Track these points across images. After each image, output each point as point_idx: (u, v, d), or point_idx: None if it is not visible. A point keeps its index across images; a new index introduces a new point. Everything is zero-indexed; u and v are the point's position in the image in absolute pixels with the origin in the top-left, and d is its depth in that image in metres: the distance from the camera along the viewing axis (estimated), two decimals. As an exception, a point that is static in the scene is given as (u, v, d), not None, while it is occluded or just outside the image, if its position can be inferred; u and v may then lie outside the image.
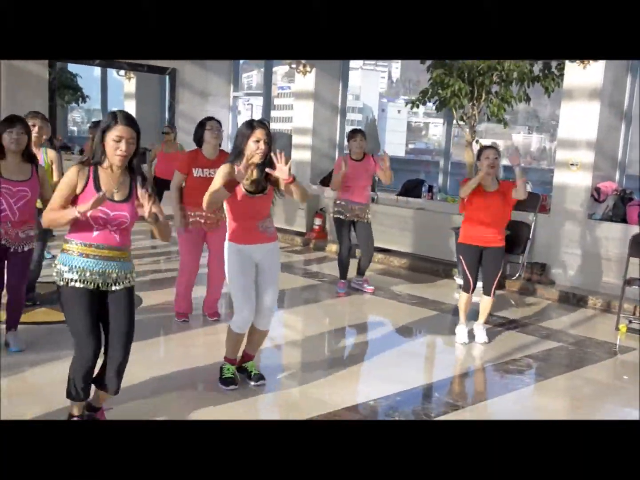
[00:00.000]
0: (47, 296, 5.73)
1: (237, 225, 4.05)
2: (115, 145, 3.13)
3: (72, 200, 3.18)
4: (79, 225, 3.17)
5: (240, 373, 4.34)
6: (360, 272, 6.97)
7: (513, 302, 6.88)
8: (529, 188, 7.87)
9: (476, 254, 5.30)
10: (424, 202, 8.65)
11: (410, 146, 53.26)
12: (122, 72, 12.25)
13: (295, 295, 6.86)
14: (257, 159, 3.94)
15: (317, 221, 9.48)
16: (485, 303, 5.46)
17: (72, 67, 13.46)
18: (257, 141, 3.92)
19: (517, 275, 7.38)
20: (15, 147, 4.33)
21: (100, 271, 3.20)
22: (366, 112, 56.66)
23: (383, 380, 4.50)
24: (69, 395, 3.35)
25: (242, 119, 9.83)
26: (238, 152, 3.98)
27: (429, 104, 8.42)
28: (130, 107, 12.32)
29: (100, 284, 3.22)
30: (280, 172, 3.90)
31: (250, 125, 3.96)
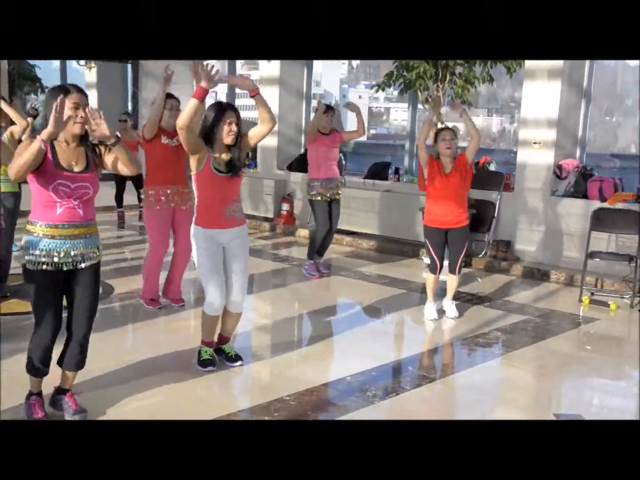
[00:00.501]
0: (17, 288, 5.68)
1: (205, 209, 4.06)
2: (74, 112, 3.13)
3: (31, 178, 3.16)
4: (41, 203, 3.18)
5: (217, 355, 4.39)
6: (322, 253, 6.99)
7: (479, 280, 7.04)
8: (492, 167, 8.06)
9: (441, 235, 5.42)
10: (391, 184, 8.76)
11: (372, 131, 53.41)
12: (82, 62, 12.07)
13: (264, 279, 6.92)
14: (229, 140, 3.99)
15: (285, 206, 9.53)
16: (452, 281, 5.60)
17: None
18: (230, 123, 3.95)
19: (483, 253, 7.54)
20: None
21: (67, 251, 3.22)
22: (328, 98, 56.63)
23: (357, 357, 4.60)
24: (28, 370, 3.41)
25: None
26: (209, 135, 4.00)
27: (390, 89, 8.52)
28: (92, 97, 12.15)
29: (67, 264, 3.25)
30: (244, 84, 3.98)
31: (221, 107, 3.99)
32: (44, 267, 3.21)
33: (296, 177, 9.58)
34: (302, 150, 10.05)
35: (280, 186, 9.67)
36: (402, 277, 6.98)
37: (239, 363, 4.35)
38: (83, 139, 3.28)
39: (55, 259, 3.21)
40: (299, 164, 9.70)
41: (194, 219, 4.15)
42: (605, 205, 6.71)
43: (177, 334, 5.05)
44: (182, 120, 3.82)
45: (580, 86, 7.46)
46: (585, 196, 7.14)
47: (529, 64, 7.36)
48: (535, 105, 7.35)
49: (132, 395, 3.83)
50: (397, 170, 8.89)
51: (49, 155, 3.16)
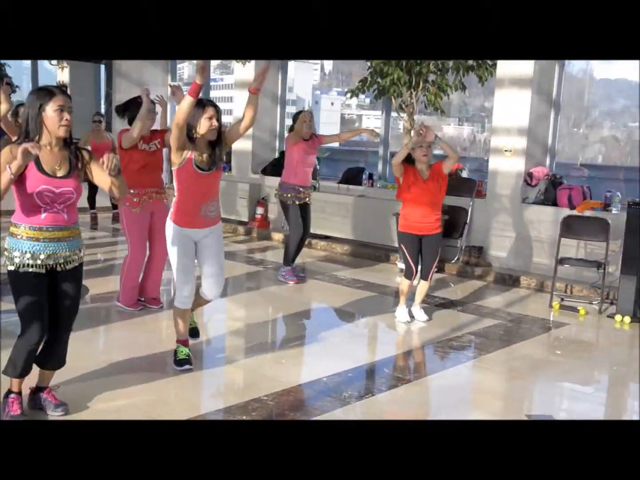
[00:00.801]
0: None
1: (183, 206, 4.09)
2: (59, 115, 3.12)
3: (15, 183, 3.12)
4: (26, 207, 3.17)
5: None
6: (294, 258, 6.99)
7: (452, 285, 7.13)
8: (464, 174, 8.18)
9: (416, 241, 5.50)
10: (365, 190, 8.83)
11: (344, 138, 53.76)
12: (54, 61, 11.96)
13: (239, 282, 6.92)
14: (211, 135, 4.02)
15: (260, 210, 9.55)
16: (423, 287, 5.69)
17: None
18: (210, 118, 3.98)
19: (455, 258, 7.65)
20: None
21: (51, 254, 3.22)
22: (300, 104, 56.80)
23: (332, 359, 4.64)
24: (6, 372, 3.39)
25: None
26: (190, 131, 4.01)
27: (362, 96, 8.61)
28: (64, 97, 12.05)
29: (51, 267, 3.25)
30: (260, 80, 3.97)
31: (201, 103, 4.01)
32: (27, 269, 3.20)
33: (270, 181, 9.60)
34: (277, 154, 10.09)
35: (255, 190, 9.69)
36: (376, 281, 7.05)
37: (198, 338, 4.61)
38: (66, 142, 3.27)
39: (39, 262, 3.20)
40: (274, 167, 9.73)
41: (170, 213, 4.17)
42: (575, 212, 6.86)
43: (153, 334, 5.04)
44: (179, 117, 3.85)
45: (549, 96, 7.61)
46: (554, 204, 7.29)
47: (499, 72, 7.50)
48: (506, 113, 7.49)
49: (108, 392, 3.82)
50: (370, 176, 8.97)
51: (33, 161, 3.12)
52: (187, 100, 3.81)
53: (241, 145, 9.98)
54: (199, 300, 4.45)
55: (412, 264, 5.50)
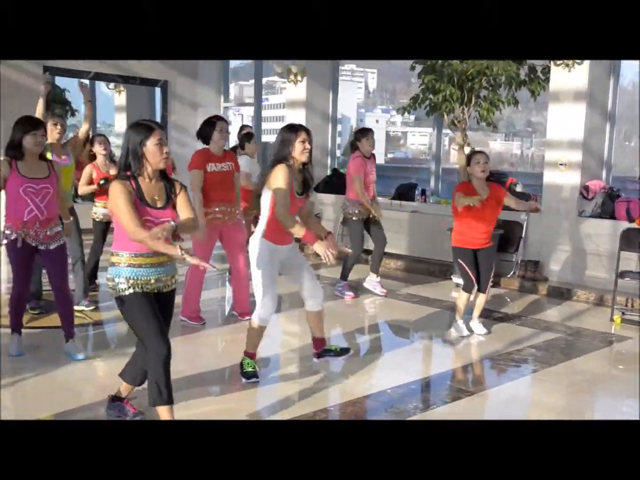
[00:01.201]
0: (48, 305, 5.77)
1: (277, 225, 4.20)
2: (160, 149, 3.25)
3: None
4: (127, 237, 3.25)
5: (325, 355, 4.65)
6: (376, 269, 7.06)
7: (508, 299, 7.10)
8: (518, 188, 8.16)
9: (472, 255, 5.53)
10: (418, 205, 8.87)
11: (390, 155, 53.86)
12: (111, 85, 12.38)
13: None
14: (304, 158, 4.17)
15: (312, 227, 9.65)
16: (481, 300, 5.70)
17: (60, 81, 13.51)
18: (303, 142, 4.15)
19: (511, 273, 7.62)
20: (38, 150, 4.47)
21: (150, 279, 3.32)
22: (345, 123, 57.12)
23: (394, 372, 4.71)
24: (154, 402, 3.32)
25: (233, 128, 10.01)
26: (285, 155, 4.16)
27: (407, 114, 8.69)
28: (121, 120, 12.46)
29: (151, 291, 3.35)
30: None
31: (294, 128, 4.20)
32: (135, 289, 3.29)
33: (323, 198, 9.73)
34: (329, 172, 10.22)
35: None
36: (432, 296, 7.08)
37: (350, 352, 4.70)
38: (162, 173, 3.38)
39: (140, 284, 3.30)
40: (327, 185, 9.86)
41: (261, 232, 4.27)
42: (634, 225, 6.78)
43: (217, 348, 5.17)
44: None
45: (604, 108, 7.57)
46: (612, 217, 7.22)
47: (553, 86, 7.49)
48: (561, 127, 7.47)
49: (178, 404, 3.93)
50: (423, 192, 9.01)
51: (135, 193, 3.25)
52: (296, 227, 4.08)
53: (293, 163, 10.14)
54: (314, 321, 4.58)
55: (472, 277, 5.52)
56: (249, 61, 13.85)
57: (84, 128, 6.18)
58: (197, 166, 5.42)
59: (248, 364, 4.43)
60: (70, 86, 14.44)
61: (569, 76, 7.31)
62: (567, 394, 4.57)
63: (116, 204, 3.22)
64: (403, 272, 8.40)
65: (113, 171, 6.30)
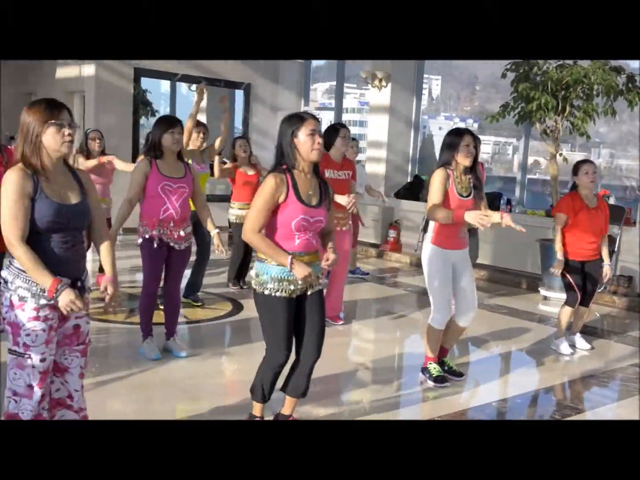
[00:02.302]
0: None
1: (445, 230, 4.21)
2: (312, 139, 3.09)
3: (274, 211, 3.14)
4: (280, 235, 3.17)
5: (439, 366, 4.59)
6: None
7: (597, 314, 6.90)
8: (611, 200, 7.93)
9: (580, 268, 5.38)
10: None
11: (453, 163, 53.40)
12: (193, 87, 12.57)
13: (387, 305, 6.99)
14: (468, 162, 4.18)
15: (392, 233, 9.61)
16: (583, 313, 5.54)
17: (143, 83, 13.85)
18: (467, 145, 4.16)
19: (602, 287, 7.39)
20: (176, 147, 4.48)
21: (298, 279, 3.18)
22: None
23: (496, 385, 4.66)
24: (254, 396, 3.42)
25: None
26: (448, 159, 4.20)
27: (470, 121, 8.51)
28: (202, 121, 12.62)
29: (299, 290, 3.24)
30: None
31: (459, 132, 4.22)
32: (276, 293, 3.19)
33: (404, 204, 9.67)
34: (410, 178, 10.15)
35: (388, 213, 9.76)
36: (520, 307, 6.94)
37: (462, 377, 4.59)
38: (316, 168, 3.24)
39: (287, 285, 3.18)
40: (407, 191, 9.80)
41: (430, 238, 4.29)
42: None
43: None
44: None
45: None
46: None
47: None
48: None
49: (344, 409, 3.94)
50: (509, 201, 8.86)
51: (291, 188, 3.13)
52: (444, 214, 4.03)
53: (374, 169, 10.12)
54: (454, 333, 4.55)
55: (577, 292, 5.37)
56: (328, 65, 13.91)
57: (220, 139, 6.42)
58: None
59: (434, 368, 4.48)
60: (151, 87, 14.78)
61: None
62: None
63: (259, 194, 3.13)
64: (486, 282, 8.25)
65: (251, 172, 6.54)
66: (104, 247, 2.89)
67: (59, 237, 2.65)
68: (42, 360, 2.68)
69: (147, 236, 4.45)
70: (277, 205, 3.14)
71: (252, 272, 3.34)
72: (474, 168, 4.25)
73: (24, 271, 2.62)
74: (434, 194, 4.16)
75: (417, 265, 9.02)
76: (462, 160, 4.17)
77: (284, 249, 3.15)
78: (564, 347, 5.44)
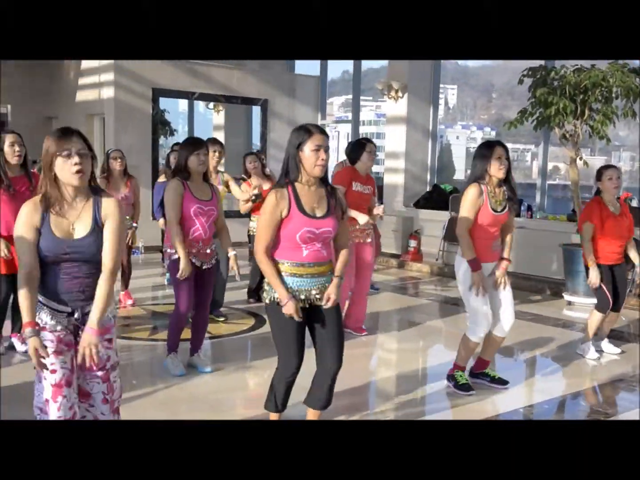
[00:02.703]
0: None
1: (479, 243, 4.22)
2: (316, 155, 3.07)
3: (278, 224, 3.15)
4: (287, 247, 3.17)
5: (480, 377, 4.60)
6: None
7: (623, 318, 6.80)
8: (634, 203, 7.85)
9: (610, 272, 5.34)
10: (525, 221, 8.66)
11: (469, 171, 53.27)
12: (210, 105, 12.68)
13: (407, 315, 6.96)
14: (501, 174, 4.18)
15: (412, 243, 9.59)
16: (613, 318, 5.51)
17: (161, 103, 14.01)
18: (500, 157, 4.16)
19: (627, 291, 7.30)
20: (202, 169, 4.50)
21: (312, 289, 3.20)
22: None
23: (522, 391, 4.62)
24: (267, 406, 3.44)
25: (330, 144, 10.07)
26: (481, 173, 4.20)
27: (487, 129, 8.47)
28: (220, 138, 12.71)
29: (312, 301, 3.23)
30: None
31: (490, 144, 4.23)
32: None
33: (423, 214, 9.65)
34: (429, 188, 10.13)
35: (407, 223, 9.75)
36: (544, 313, 6.89)
37: (506, 385, 4.56)
38: (323, 180, 3.24)
39: (299, 294, 3.19)
40: (426, 201, 9.78)
41: (459, 252, 4.31)
42: None
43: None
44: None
45: None
46: None
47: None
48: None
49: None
50: (529, 207, 8.80)
51: (293, 201, 3.13)
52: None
53: (393, 179, 10.12)
54: (493, 344, 4.54)
55: (609, 297, 5.31)
56: (344, 78, 13.97)
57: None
58: (343, 182, 5.37)
59: (461, 376, 4.48)
60: (169, 107, 14.94)
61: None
62: None
63: (262, 212, 3.17)
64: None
65: (266, 186, 6.45)
66: (101, 281, 2.70)
67: (61, 268, 2.69)
68: (53, 372, 2.68)
69: (176, 257, 4.45)
70: (281, 219, 3.14)
71: (264, 284, 3.31)
72: (507, 179, 4.23)
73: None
74: (465, 211, 4.18)
75: (438, 274, 9.02)
76: (496, 172, 4.16)
77: (293, 259, 3.18)
78: (591, 352, 5.39)
